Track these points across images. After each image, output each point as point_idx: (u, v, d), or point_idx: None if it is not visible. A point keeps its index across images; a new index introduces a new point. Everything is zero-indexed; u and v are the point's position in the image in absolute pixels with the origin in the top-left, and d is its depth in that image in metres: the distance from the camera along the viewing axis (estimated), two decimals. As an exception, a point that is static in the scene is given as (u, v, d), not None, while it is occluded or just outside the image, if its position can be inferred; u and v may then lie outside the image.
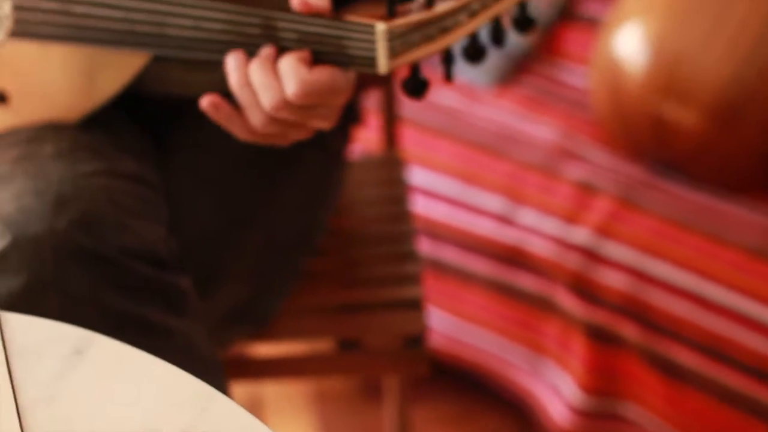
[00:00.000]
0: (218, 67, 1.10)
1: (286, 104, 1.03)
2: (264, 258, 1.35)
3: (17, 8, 1.15)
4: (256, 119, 1.06)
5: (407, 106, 1.95)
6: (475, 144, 2.05)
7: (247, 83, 1.05)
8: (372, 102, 1.89)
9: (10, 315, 0.95)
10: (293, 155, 1.33)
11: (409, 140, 2.02)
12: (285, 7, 1.04)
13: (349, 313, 1.45)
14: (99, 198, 1.12)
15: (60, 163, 1.15)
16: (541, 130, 2.07)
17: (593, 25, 2.22)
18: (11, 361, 0.91)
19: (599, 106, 2.02)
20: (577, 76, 2.18)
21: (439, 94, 2.14)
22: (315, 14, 1.03)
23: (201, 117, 1.12)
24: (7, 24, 1.17)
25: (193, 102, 1.31)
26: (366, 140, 1.96)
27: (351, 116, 1.49)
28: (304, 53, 1.04)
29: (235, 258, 1.31)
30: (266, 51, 1.05)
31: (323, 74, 1.02)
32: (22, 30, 1.16)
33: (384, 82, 1.61)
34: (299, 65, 1.02)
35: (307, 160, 1.39)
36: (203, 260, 1.27)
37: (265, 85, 1.03)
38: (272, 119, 1.05)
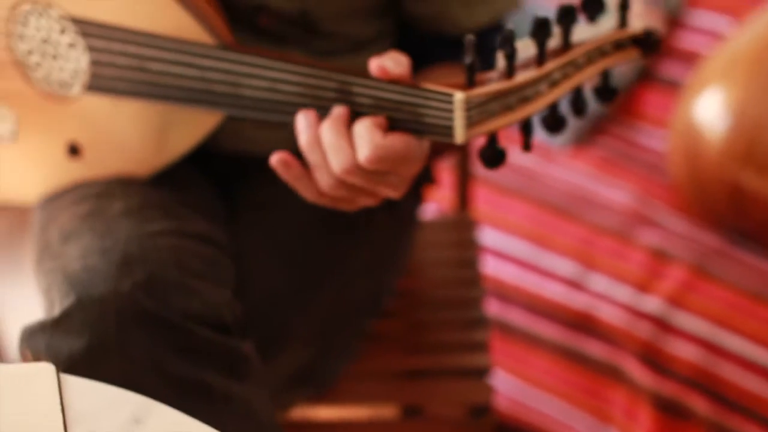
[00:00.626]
0: (291, 126, 1.08)
1: (356, 168, 1.00)
2: (329, 320, 1.33)
3: (94, 63, 1.15)
4: (324, 181, 1.04)
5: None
6: (548, 205, 2.02)
7: (318, 143, 1.03)
8: (446, 159, 1.87)
9: (70, 378, 0.93)
10: (362, 217, 1.31)
11: (482, 199, 1.99)
12: (362, 72, 1.02)
13: (413, 379, 1.42)
14: (165, 259, 1.11)
15: (128, 221, 1.14)
16: (616, 193, 2.04)
17: (673, 87, 2.18)
18: (69, 426, 0.89)
19: (676, 171, 1.98)
20: (654, 139, 2.15)
21: (514, 153, 2.11)
22: (392, 81, 1.01)
23: (271, 175, 1.10)
24: (83, 78, 1.16)
25: (264, 159, 1.30)
26: (439, 198, 1.94)
27: (424, 177, 1.47)
28: (380, 119, 1.01)
29: (301, 319, 1.29)
30: (338, 111, 1.03)
31: (397, 141, 1.00)
32: (98, 84, 1.16)
33: (459, 148, 1.59)
34: (374, 130, 0.99)
35: (377, 222, 1.37)
36: (268, 321, 1.25)
37: (335, 147, 1.01)
38: (341, 183, 1.03)
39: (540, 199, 2.04)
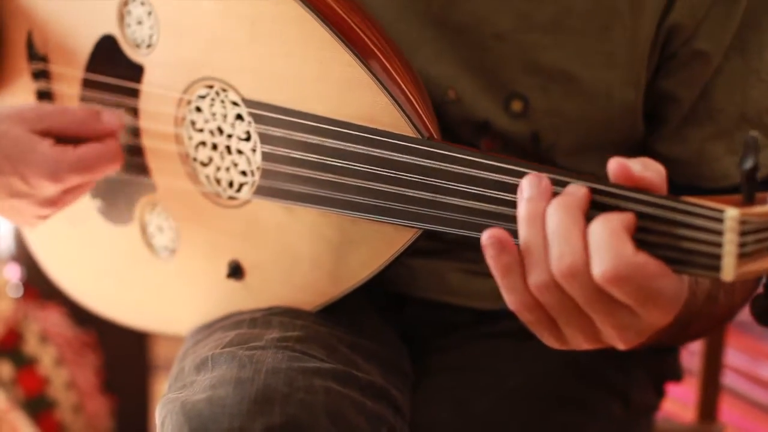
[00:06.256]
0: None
1: (580, 276, 0.72)
2: None
3: (267, 157, 0.93)
4: (535, 276, 0.74)
5: (731, 371, 1.63)
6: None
7: (540, 220, 0.75)
8: (688, 358, 1.57)
9: None
10: (582, 402, 1.02)
11: (726, 416, 1.68)
12: (600, 178, 0.76)
13: None
14: (316, 404, 0.84)
15: (279, 353, 0.89)
16: None
17: None
18: None
19: None
20: None
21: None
22: (640, 189, 0.74)
23: (474, 338, 0.88)
24: (255, 177, 0.95)
25: (467, 314, 1.05)
26: (672, 408, 1.65)
27: (670, 369, 1.17)
28: (630, 217, 0.73)
29: None
30: (578, 190, 0.75)
31: (652, 262, 0.71)
32: (270, 186, 0.94)
33: (725, 320, 1.25)
34: (623, 236, 0.71)
35: (601, 413, 1.07)
36: None
37: (563, 234, 0.73)
38: (555, 286, 0.74)
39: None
